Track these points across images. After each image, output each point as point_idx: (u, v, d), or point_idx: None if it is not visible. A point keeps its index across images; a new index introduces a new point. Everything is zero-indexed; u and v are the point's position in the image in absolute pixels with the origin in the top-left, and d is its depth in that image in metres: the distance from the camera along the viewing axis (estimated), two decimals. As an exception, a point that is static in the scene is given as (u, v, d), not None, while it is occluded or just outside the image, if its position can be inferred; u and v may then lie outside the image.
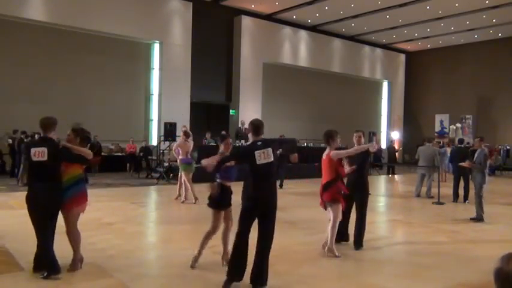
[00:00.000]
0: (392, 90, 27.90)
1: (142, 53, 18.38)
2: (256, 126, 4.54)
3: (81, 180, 4.88)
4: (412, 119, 28.14)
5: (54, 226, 4.73)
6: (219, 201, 4.95)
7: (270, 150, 4.36)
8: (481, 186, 8.56)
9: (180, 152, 9.96)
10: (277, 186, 4.54)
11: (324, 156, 5.65)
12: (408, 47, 27.71)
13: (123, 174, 16.13)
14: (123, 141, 17.27)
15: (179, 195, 10.16)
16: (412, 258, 5.81)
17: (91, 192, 5.03)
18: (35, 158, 4.60)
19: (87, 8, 16.07)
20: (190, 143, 10.12)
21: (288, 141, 4.43)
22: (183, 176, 9.94)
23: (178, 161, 10.25)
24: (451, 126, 25.09)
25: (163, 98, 18.25)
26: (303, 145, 18.93)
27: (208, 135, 16.05)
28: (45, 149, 4.60)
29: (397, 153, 22.69)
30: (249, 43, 20.79)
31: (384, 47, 27.11)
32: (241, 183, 4.55)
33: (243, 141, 15.61)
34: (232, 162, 4.82)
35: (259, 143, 4.44)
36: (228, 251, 5.15)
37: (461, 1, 19.07)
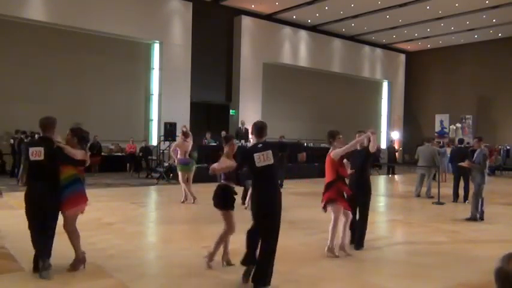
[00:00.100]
0: (392, 90, 27.89)
1: (142, 53, 18.37)
2: (259, 127, 4.55)
3: (77, 181, 4.81)
4: (412, 119, 28.14)
5: (55, 226, 4.74)
6: (228, 202, 4.97)
7: (269, 152, 4.35)
8: (480, 186, 8.56)
9: (179, 152, 9.97)
10: (279, 189, 4.53)
11: (327, 156, 5.68)
12: (408, 47, 27.71)
13: (123, 174, 16.13)
14: (123, 141, 17.28)
15: (194, 199, 10.14)
16: (412, 258, 5.81)
17: (91, 192, 5.02)
18: (32, 158, 4.65)
19: (87, 8, 16.07)
20: (189, 143, 10.12)
21: (290, 145, 4.44)
22: (179, 176, 9.95)
23: (176, 161, 10.26)
24: (451, 126, 25.09)
25: (163, 98, 18.25)
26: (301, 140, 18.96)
27: (208, 135, 16.05)
28: (42, 149, 4.65)
29: (397, 153, 22.70)
30: (249, 43, 20.79)
31: (384, 47, 27.11)
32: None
33: (242, 141, 15.61)
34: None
35: (260, 145, 4.45)
36: (228, 251, 5.16)
37: (461, 1, 19.06)
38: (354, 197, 5.88)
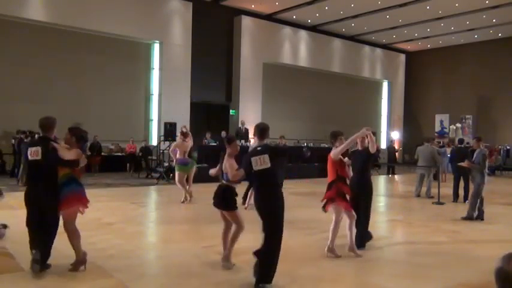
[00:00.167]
0: (392, 90, 27.90)
1: (142, 53, 18.38)
2: (261, 129, 4.60)
3: (71, 181, 4.74)
4: (412, 119, 28.14)
5: (54, 226, 4.75)
6: (231, 203, 5.00)
7: (266, 156, 4.38)
8: (479, 186, 8.57)
9: (178, 152, 9.98)
10: (279, 190, 4.53)
11: (328, 156, 5.70)
12: (408, 47, 27.71)
13: (123, 174, 16.13)
14: (123, 141, 17.28)
15: (190, 197, 10.19)
16: (412, 258, 5.81)
17: (91, 192, 5.02)
18: (30, 158, 4.70)
19: (87, 8, 16.07)
20: (188, 143, 10.14)
21: (291, 148, 4.44)
22: (176, 176, 9.98)
23: (174, 161, 10.27)
24: (451, 126, 25.09)
25: (163, 98, 18.25)
26: (303, 145, 18.95)
27: (208, 135, 16.06)
28: (39, 148, 4.68)
29: (397, 153, 22.70)
30: (249, 43, 20.79)
31: (384, 47, 27.11)
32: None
33: (242, 141, 15.62)
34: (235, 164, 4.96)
35: (259, 148, 4.50)
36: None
37: (461, 1, 19.07)
38: (355, 197, 5.88)
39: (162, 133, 15.63)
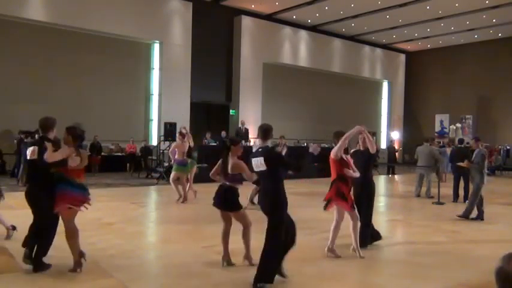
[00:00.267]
0: (392, 90, 27.89)
1: (142, 53, 18.37)
2: (264, 130, 4.65)
3: (60, 180, 4.67)
4: (412, 119, 28.14)
5: (51, 225, 4.78)
6: (236, 203, 5.04)
7: (261, 159, 4.47)
8: (478, 186, 8.59)
9: (177, 152, 10.01)
10: (278, 192, 4.54)
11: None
12: (408, 47, 27.71)
13: (123, 174, 16.13)
14: (123, 141, 17.29)
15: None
16: (412, 258, 5.80)
17: (91, 192, 5.00)
18: (29, 157, 4.78)
19: (87, 8, 16.07)
20: (186, 144, 10.18)
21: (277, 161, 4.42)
22: (172, 175, 10.04)
23: (172, 161, 10.30)
24: (451, 126, 25.08)
25: (163, 98, 18.25)
26: (303, 145, 18.95)
27: (208, 135, 16.05)
28: (36, 148, 4.75)
29: (397, 153, 22.69)
30: (249, 43, 20.79)
31: (384, 47, 27.11)
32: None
33: (242, 141, 15.59)
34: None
35: (260, 149, 4.60)
36: (228, 251, 5.15)
37: (461, 1, 19.06)
38: (357, 197, 5.86)
39: (162, 133, 15.64)
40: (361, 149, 6.24)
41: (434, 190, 11.35)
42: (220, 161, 5.16)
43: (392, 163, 20.26)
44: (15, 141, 13.95)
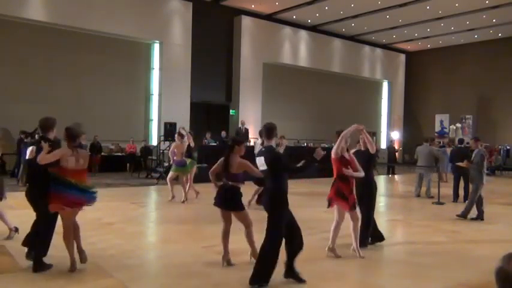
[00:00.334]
0: (392, 90, 27.89)
1: (142, 53, 18.37)
2: (267, 129, 4.67)
3: (53, 181, 4.64)
4: (412, 119, 28.14)
5: (52, 225, 4.80)
6: (239, 203, 5.06)
7: (262, 159, 4.55)
8: (477, 186, 8.60)
9: (176, 153, 10.03)
10: (278, 191, 4.55)
11: None
12: (408, 47, 27.71)
13: (123, 174, 16.13)
14: (123, 141, 17.28)
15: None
16: (412, 258, 5.80)
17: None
18: (27, 157, 4.86)
19: (87, 8, 16.07)
20: (185, 144, 10.21)
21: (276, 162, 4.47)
22: (169, 174, 10.14)
23: (172, 161, 10.33)
24: (451, 126, 25.08)
25: (163, 98, 18.25)
26: (303, 145, 18.95)
27: (208, 135, 16.05)
28: (34, 148, 4.81)
29: (397, 153, 22.68)
30: (249, 43, 20.78)
31: (384, 47, 27.10)
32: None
33: (246, 142, 15.63)
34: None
35: (263, 149, 4.66)
36: (228, 251, 5.15)
37: (461, 1, 19.06)
38: (358, 197, 5.86)
39: (162, 133, 15.63)
40: (362, 149, 6.24)
41: (434, 190, 11.36)
42: (221, 160, 5.16)
43: (392, 163, 20.25)
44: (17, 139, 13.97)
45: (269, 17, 21.67)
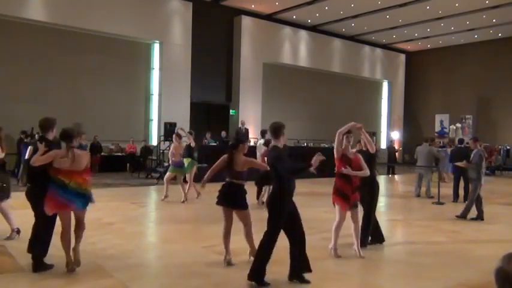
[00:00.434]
0: (392, 90, 27.89)
1: (142, 53, 18.37)
2: (273, 129, 4.69)
3: (52, 181, 4.62)
4: (412, 119, 28.13)
5: (50, 225, 4.80)
6: (245, 201, 5.08)
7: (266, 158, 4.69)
8: (475, 186, 8.61)
9: (174, 153, 10.05)
10: (277, 190, 4.59)
11: None
12: (408, 47, 27.71)
13: (123, 174, 16.13)
14: (123, 141, 17.28)
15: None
16: (412, 258, 5.80)
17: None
18: (26, 157, 4.94)
19: (87, 8, 16.07)
20: (183, 144, 10.26)
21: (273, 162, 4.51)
22: (167, 174, 10.20)
23: (170, 162, 10.34)
24: (451, 126, 25.07)
25: (163, 98, 18.25)
26: (303, 145, 18.95)
27: (208, 135, 16.05)
28: (31, 147, 4.87)
29: (397, 153, 22.68)
30: (249, 43, 20.78)
31: (384, 47, 27.10)
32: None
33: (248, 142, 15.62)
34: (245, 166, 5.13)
35: (269, 148, 4.78)
36: (229, 251, 5.15)
37: (461, 1, 19.06)
38: (360, 196, 5.85)
39: (162, 133, 15.62)
40: (363, 148, 6.22)
41: (434, 190, 11.36)
42: (221, 159, 5.16)
43: (392, 163, 20.26)
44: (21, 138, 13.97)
45: (269, 17, 21.67)
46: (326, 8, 20.18)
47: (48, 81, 15.83)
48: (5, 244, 5.78)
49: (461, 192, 11.10)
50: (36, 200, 4.71)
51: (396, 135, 26.24)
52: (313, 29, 23.40)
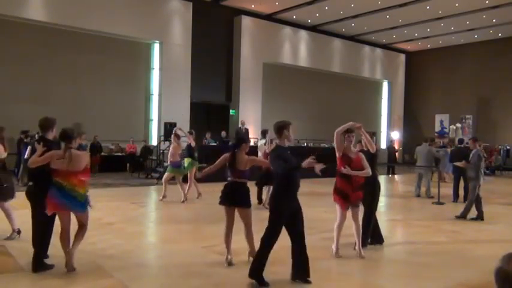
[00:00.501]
0: (392, 90, 27.88)
1: (142, 53, 18.37)
2: (276, 128, 4.69)
3: (51, 182, 4.62)
4: (412, 119, 28.13)
5: (48, 225, 4.81)
6: (248, 199, 5.08)
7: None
8: (474, 186, 8.62)
9: (173, 154, 10.06)
10: (276, 189, 4.62)
11: None
12: (408, 47, 27.70)
13: (123, 174, 16.13)
14: (123, 141, 17.28)
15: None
16: (412, 258, 5.80)
17: (91, 192, 4.99)
18: (25, 157, 5.00)
19: (87, 8, 16.06)
20: (182, 145, 10.27)
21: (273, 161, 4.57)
22: (165, 175, 10.23)
23: (169, 162, 10.36)
24: (451, 126, 25.06)
25: (163, 98, 18.25)
26: (303, 145, 18.94)
27: (208, 135, 16.04)
28: (30, 147, 4.91)
29: (397, 153, 22.68)
30: (249, 43, 20.78)
31: (384, 47, 27.10)
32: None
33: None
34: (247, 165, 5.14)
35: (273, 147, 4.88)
36: (230, 251, 5.15)
37: (461, 1, 19.06)
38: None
39: (162, 133, 15.61)
40: (364, 148, 6.22)
41: (434, 190, 11.36)
42: (223, 157, 5.15)
43: (392, 163, 20.26)
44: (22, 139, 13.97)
45: (269, 17, 21.67)
46: (326, 8, 20.18)
47: (48, 81, 15.83)
48: (5, 244, 5.78)
49: (461, 192, 11.09)
50: (36, 199, 4.72)
51: (396, 135, 26.23)
52: (313, 29, 23.40)
